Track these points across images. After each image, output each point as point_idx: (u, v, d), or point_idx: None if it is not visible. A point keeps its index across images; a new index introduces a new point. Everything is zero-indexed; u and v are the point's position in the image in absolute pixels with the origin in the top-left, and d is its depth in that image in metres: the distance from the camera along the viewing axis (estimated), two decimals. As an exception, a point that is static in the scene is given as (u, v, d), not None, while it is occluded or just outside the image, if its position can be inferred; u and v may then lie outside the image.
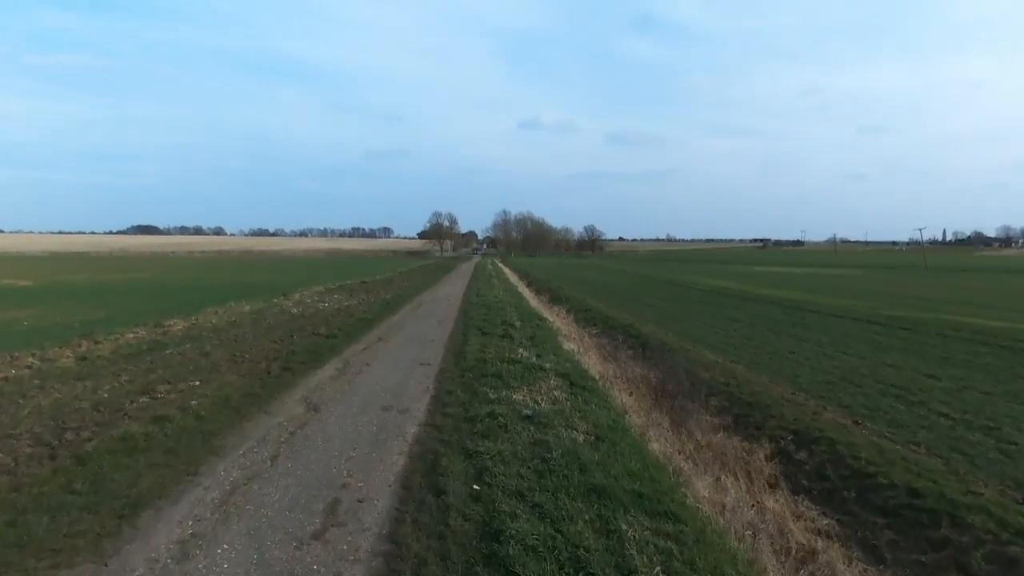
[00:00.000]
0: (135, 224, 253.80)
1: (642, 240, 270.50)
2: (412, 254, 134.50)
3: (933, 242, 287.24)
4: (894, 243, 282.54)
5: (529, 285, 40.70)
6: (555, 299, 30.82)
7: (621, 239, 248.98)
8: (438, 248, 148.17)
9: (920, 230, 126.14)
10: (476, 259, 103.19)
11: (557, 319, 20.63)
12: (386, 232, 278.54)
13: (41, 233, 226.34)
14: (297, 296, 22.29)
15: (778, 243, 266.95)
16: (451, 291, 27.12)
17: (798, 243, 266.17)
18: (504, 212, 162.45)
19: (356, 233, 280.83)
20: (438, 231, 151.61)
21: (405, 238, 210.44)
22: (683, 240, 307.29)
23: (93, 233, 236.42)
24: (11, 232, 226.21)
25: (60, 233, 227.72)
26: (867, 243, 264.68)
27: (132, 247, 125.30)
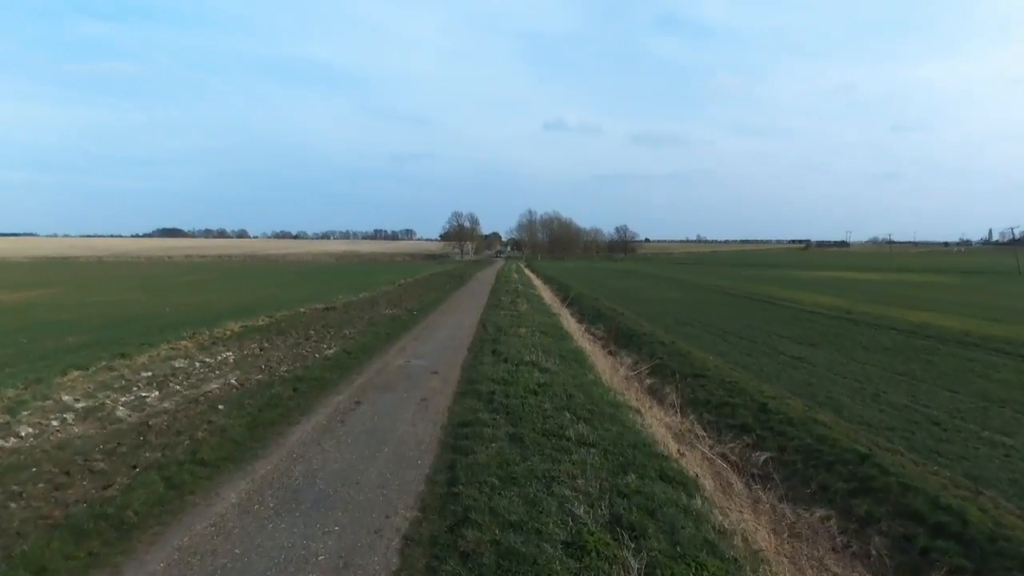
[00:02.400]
0: (161, 227, 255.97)
1: (672, 241, 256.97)
2: (430, 257, 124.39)
3: (986, 243, 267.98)
4: (946, 244, 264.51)
5: (569, 305, 29.60)
6: (619, 334, 19.69)
7: (648, 240, 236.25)
8: (458, 251, 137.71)
9: (1013, 229, 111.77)
10: (499, 264, 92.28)
11: (665, 419, 9.55)
12: (408, 234, 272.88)
13: (69, 237, 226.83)
14: (147, 357, 11.61)
15: (821, 244, 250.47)
16: (453, 331, 16.20)
17: (843, 244, 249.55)
18: (529, 212, 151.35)
19: (378, 235, 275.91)
20: (459, 233, 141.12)
21: (427, 240, 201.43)
22: (715, 241, 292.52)
23: (119, 236, 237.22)
24: (46, 236, 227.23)
25: (88, 237, 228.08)
26: (916, 243, 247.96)
27: (133, 251, 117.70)
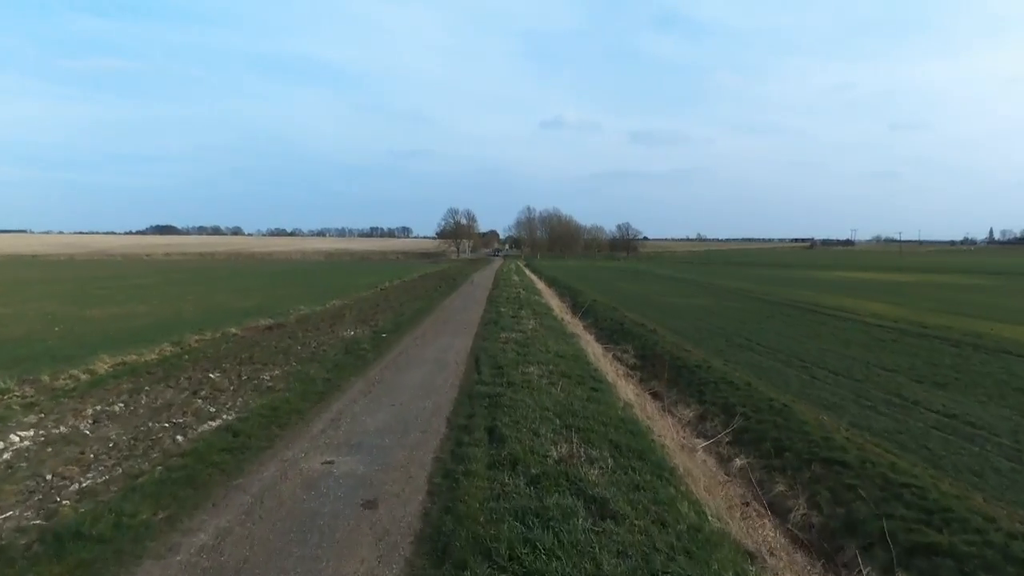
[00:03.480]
0: (154, 224, 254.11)
1: (672, 240, 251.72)
2: (425, 256, 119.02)
3: (990, 241, 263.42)
4: (952, 242, 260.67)
5: (583, 315, 24.31)
6: (662, 364, 14.40)
7: (646, 238, 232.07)
8: (454, 249, 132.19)
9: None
10: (497, 263, 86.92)
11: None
12: (405, 232, 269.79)
13: (63, 233, 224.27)
14: None
15: (826, 243, 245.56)
16: (430, 373, 10.86)
17: (848, 243, 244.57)
18: (528, 209, 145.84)
19: (375, 233, 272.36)
20: (455, 230, 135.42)
21: (424, 238, 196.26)
22: (716, 239, 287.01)
23: (113, 233, 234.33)
24: (40, 232, 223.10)
25: (81, 233, 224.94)
26: (921, 243, 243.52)
27: (114, 248, 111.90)
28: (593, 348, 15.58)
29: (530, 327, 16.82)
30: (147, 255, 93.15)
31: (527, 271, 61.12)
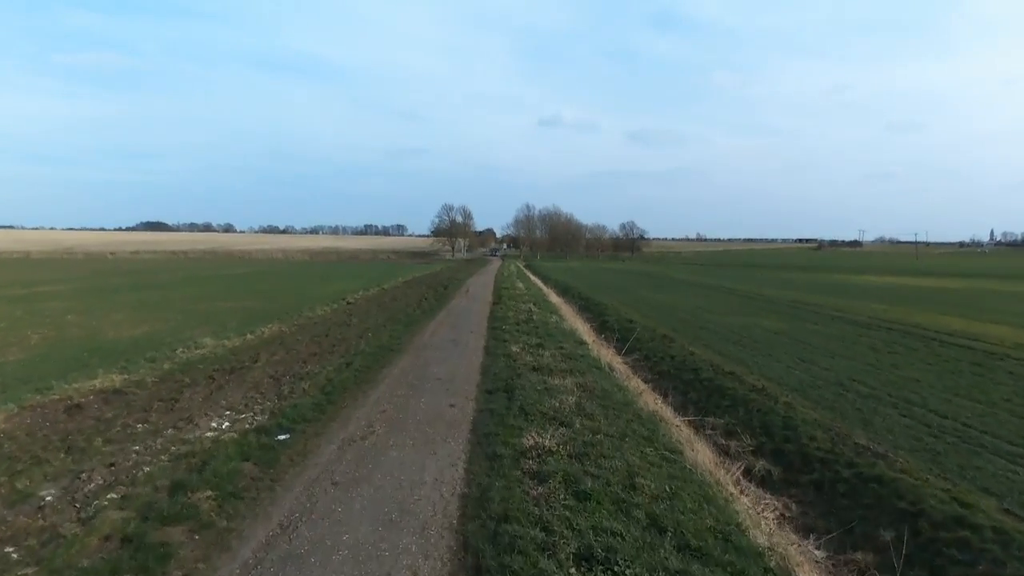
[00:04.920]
0: (144, 220, 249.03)
1: (672, 239, 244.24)
2: (417, 255, 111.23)
3: (998, 243, 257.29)
4: (960, 244, 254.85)
5: (628, 348, 16.66)
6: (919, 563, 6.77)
7: (643, 238, 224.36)
8: (449, 248, 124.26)
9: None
10: (495, 264, 79.24)
11: None
12: (399, 230, 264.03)
13: (54, 229, 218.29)
14: None
15: (834, 243, 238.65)
16: None
17: (855, 243, 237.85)
18: (527, 207, 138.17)
19: (368, 230, 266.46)
20: (450, 228, 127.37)
21: (419, 236, 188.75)
22: (717, 240, 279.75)
23: (103, 229, 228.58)
24: (32, 228, 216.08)
25: (73, 230, 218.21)
26: (927, 244, 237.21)
27: (87, 244, 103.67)
28: (715, 471, 7.87)
29: (571, 400, 9.18)
30: (112, 253, 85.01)
31: (530, 275, 53.51)
